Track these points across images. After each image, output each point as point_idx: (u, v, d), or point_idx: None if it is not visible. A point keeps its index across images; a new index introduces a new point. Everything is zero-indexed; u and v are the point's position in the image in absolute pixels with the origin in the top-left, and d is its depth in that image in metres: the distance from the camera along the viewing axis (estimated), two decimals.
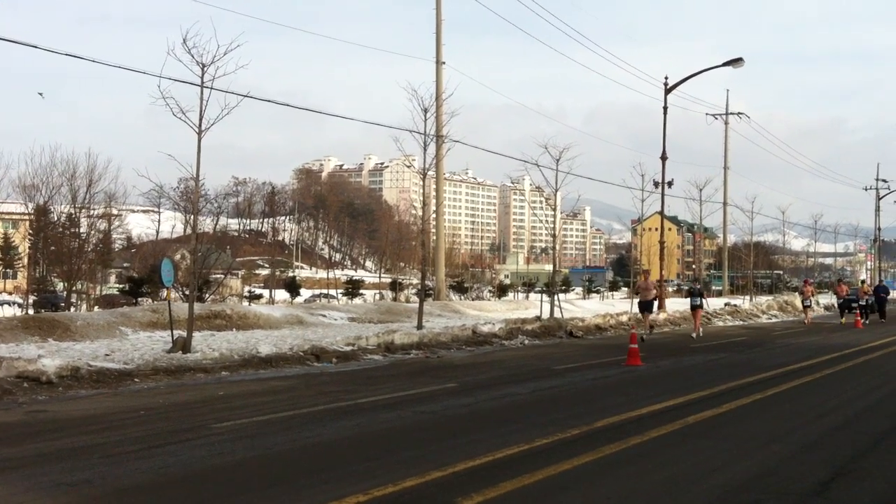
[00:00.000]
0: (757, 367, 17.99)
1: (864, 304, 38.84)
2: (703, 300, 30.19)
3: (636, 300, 28.40)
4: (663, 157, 40.62)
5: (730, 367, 18.26)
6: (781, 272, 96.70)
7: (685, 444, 9.42)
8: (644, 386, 14.91)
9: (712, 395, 13.50)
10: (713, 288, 73.36)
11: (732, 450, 9.18)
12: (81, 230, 41.10)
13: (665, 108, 40.53)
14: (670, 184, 41.17)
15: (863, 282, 49.86)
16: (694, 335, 27.24)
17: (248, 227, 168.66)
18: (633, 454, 8.78)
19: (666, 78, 40.79)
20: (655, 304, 29.80)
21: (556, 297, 32.69)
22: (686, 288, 36.36)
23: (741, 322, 38.67)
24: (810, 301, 38.83)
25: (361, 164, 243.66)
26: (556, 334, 26.50)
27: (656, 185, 41.18)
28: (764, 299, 52.30)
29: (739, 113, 63.06)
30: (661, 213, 43.31)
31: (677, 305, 40.99)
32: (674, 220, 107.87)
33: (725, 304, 45.69)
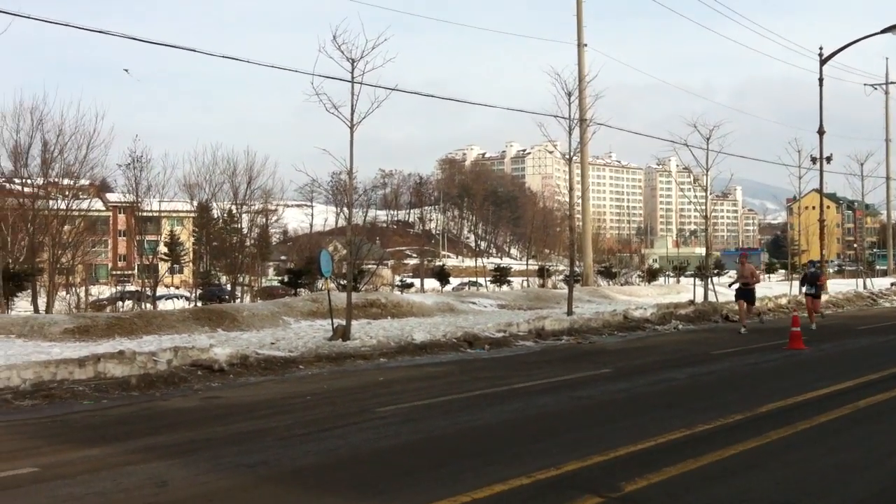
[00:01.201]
0: None
1: None
2: (821, 287, 25.21)
3: (734, 288, 23.85)
4: (820, 132, 38.91)
5: None
6: None
7: (856, 429, 9.08)
8: (808, 370, 14.42)
9: (882, 378, 12.93)
10: (877, 268, 69.71)
11: None
12: (241, 225, 43.01)
13: (821, 80, 38.86)
14: (829, 159, 39.45)
15: None
16: (813, 326, 22.80)
17: (396, 218, 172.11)
18: (801, 439, 8.54)
19: (821, 48, 39.05)
20: (757, 292, 24.51)
21: (709, 280, 31.89)
22: (802, 272, 29.72)
23: None
24: None
25: (503, 151, 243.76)
26: (710, 318, 25.86)
27: (814, 160, 39.47)
28: None
29: None
30: (820, 190, 41.51)
31: (839, 287, 39.25)
32: (832, 197, 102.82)
33: (892, 284, 43.38)
